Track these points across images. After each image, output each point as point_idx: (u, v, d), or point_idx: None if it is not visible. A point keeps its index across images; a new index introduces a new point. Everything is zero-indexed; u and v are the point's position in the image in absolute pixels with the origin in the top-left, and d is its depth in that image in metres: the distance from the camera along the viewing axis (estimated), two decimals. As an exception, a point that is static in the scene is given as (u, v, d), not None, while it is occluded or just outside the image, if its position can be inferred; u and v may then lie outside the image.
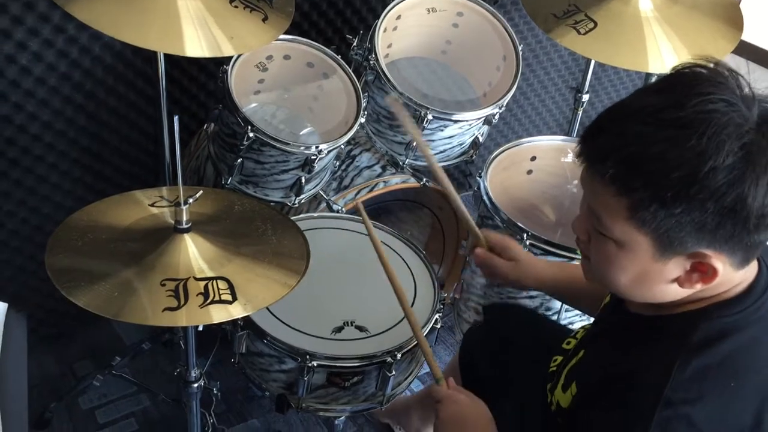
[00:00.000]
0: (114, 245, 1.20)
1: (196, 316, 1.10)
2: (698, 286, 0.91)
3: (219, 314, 1.11)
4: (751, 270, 0.94)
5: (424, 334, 1.49)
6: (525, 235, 1.73)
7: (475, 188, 1.88)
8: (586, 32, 1.82)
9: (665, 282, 0.91)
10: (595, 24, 1.81)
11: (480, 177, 1.87)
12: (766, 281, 0.95)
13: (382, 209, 2.06)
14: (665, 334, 0.94)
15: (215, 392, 1.68)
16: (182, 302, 1.11)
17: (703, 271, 0.89)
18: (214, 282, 1.15)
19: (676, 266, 0.90)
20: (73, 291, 1.10)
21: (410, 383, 1.62)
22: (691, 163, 0.81)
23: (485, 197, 1.83)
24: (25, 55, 1.62)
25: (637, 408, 0.89)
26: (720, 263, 0.88)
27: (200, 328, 1.90)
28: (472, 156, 2.00)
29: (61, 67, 1.68)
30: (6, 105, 1.65)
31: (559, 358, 1.20)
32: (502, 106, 1.87)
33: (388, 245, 1.70)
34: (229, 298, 1.13)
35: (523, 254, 1.42)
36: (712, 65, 0.87)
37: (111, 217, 1.27)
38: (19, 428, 1.03)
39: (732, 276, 0.91)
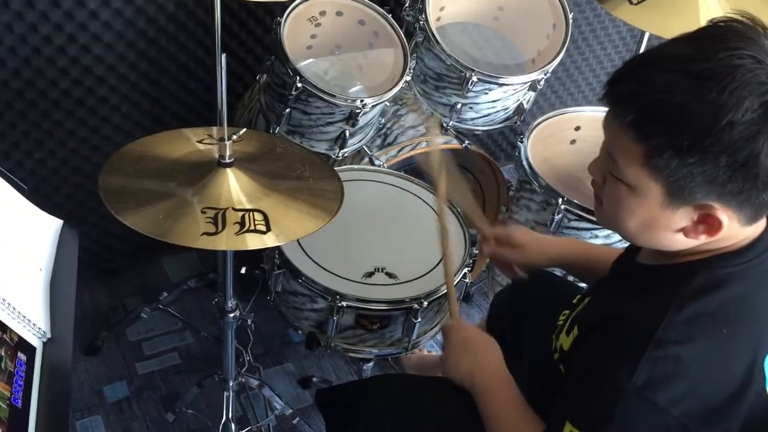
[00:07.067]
0: (162, 174, 1.28)
1: (232, 241, 1.18)
2: (703, 238, 0.92)
3: (253, 242, 1.18)
4: (758, 227, 0.95)
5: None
6: (560, 200, 1.76)
7: (516, 153, 1.91)
8: (639, 2, 1.81)
9: (671, 231, 0.93)
10: (648, -6, 1.80)
11: (521, 142, 1.90)
12: None
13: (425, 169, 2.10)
14: (666, 282, 0.96)
15: (249, 323, 1.77)
16: (220, 229, 1.18)
17: (709, 223, 0.90)
18: (251, 213, 1.22)
19: (683, 216, 0.91)
20: (122, 212, 1.17)
21: (436, 333, 1.68)
22: (710, 116, 0.82)
23: (525, 162, 1.86)
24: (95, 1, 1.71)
25: (628, 346, 0.91)
26: (726, 217, 0.89)
27: (243, 271, 2.01)
28: (516, 122, 2.03)
29: (127, 13, 1.77)
30: (74, 47, 1.75)
31: (567, 312, 1.21)
32: (547, 72, 1.89)
33: (423, 200, 1.75)
34: (263, 228, 1.20)
35: (527, 238, 1.43)
36: (747, 20, 0.87)
37: (161, 150, 1.35)
38: (66, 332, 1.13)
39: (738, 231, 0.93)
